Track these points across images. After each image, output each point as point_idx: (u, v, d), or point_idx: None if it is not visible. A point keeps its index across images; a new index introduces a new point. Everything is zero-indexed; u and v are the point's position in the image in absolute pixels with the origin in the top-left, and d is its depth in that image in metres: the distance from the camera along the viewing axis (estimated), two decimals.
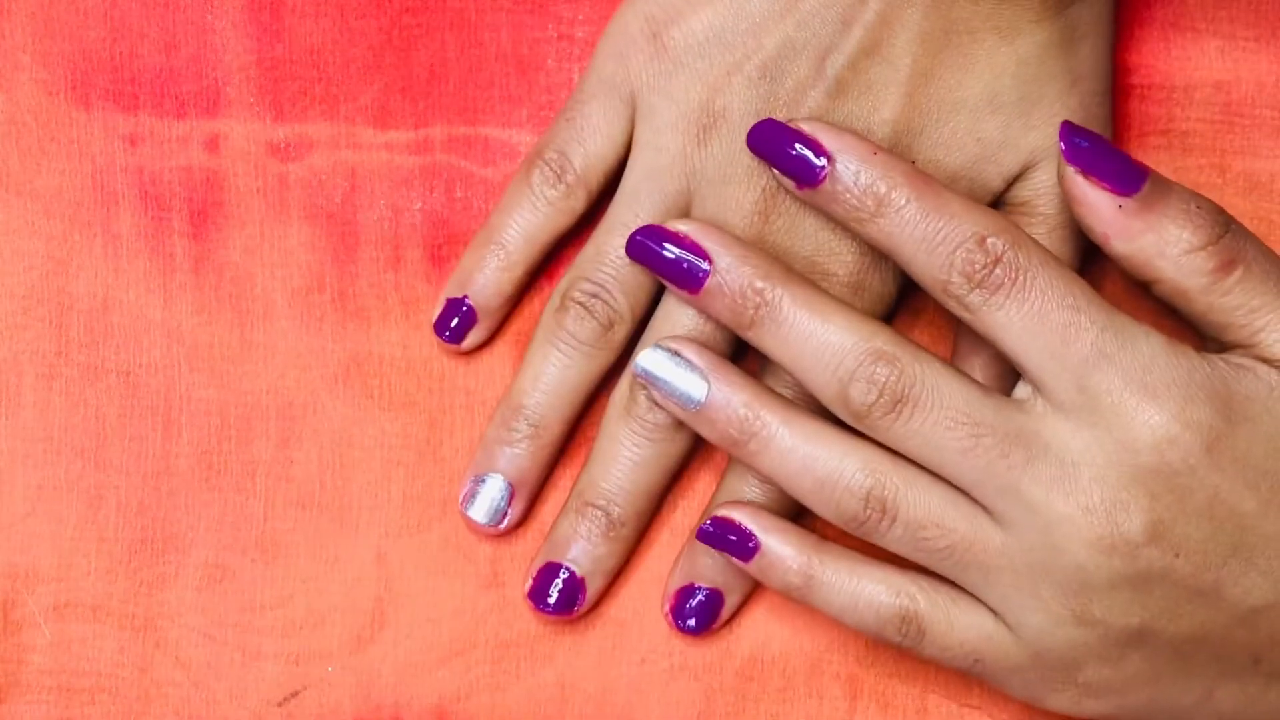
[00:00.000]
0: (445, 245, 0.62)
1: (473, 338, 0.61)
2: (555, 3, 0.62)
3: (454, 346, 0.61)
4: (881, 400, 0.55)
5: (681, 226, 0.58)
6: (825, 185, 0.56)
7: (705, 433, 0.58)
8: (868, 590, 0.57)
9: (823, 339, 0.56)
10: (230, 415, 0.61)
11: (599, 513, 0.59)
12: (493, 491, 0.60)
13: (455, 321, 0.61)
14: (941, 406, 0.55)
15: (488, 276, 0.60)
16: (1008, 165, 0.58)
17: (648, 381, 0.58)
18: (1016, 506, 0.55)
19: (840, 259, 0.58)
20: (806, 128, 0.56)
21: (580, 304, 0.59)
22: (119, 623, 0.61)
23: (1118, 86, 0.61)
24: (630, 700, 0.61)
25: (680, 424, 0.59)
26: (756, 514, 0.58)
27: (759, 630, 0.61)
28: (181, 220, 0.61)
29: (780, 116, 0.57)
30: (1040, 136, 0.58)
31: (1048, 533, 0.55)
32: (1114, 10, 0.59)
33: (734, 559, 0.58)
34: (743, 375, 0.57)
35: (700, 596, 0.60)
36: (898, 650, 0.59)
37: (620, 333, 0.59)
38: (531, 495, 0.61)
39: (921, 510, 0.56)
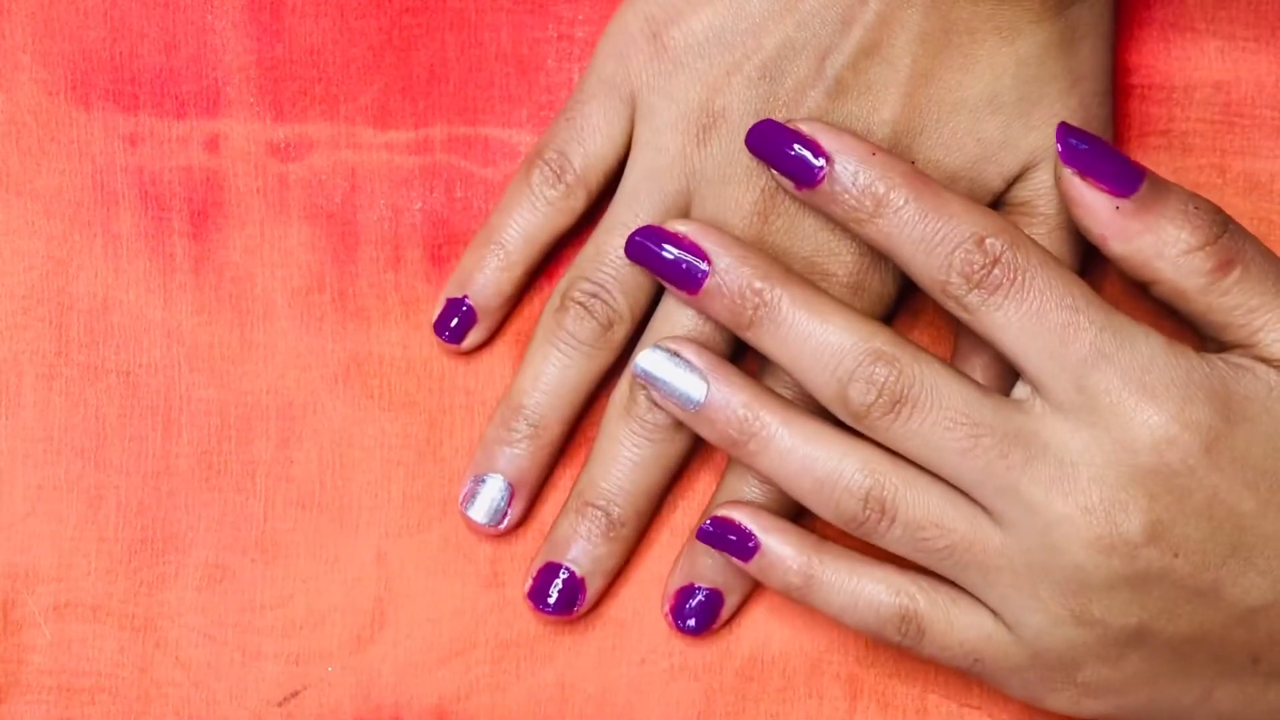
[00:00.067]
0: (445, 245, 0.62)
1: (473, 338, 0.61)
2: (555, 3, 0.62)
3: (454, 346, 0.61)
4: (880, 400, 0.55)
5: (680, 227, 0.58)
6: (824, 186, 0.56)
7: (704, 433, 0.58)
8: (867, 590, 0.57)
9: (822, 339, 0.56)
10: (230, 415, 0.61)
11: (599, 513, 0.59)
12: (493, 491, 0.60)
13: (455, 321, 0.61)
14: (940, 407, 0.55)
15: (487, 276, 0.60)
16: (1008, 165, 0.58)
17: (647, 382, 0.58)
18: (1015, 507, 0.55)
19: (839, 259, 0.58)
20: (805, 128, 0.56)
21: (580, 304, 0.59)
22: (119, 623, 0.61)
23: (1118, 86, 0.61)
24: (630, 700, 0.61)
25: (680, 424, 0.59)
26: (756, 514, 0.58)
27: (759, 630, 0.61)
28: (181, 220, 0.61)
29: (780, 117, 0.57)
30: (1040, 137, 0.58)
31: (1047, 533, 0.55)
32: (1114, 10, 0.59)
33: (734, 559, 0.58)
34: (742, 376, 0.57)
35: (700, 596, 0.60)
36: (897, 650, 0.59)
37: (620, 333, 0.59)
38: (531, 495, 0.61)
39: (920, 510, 0.56)
